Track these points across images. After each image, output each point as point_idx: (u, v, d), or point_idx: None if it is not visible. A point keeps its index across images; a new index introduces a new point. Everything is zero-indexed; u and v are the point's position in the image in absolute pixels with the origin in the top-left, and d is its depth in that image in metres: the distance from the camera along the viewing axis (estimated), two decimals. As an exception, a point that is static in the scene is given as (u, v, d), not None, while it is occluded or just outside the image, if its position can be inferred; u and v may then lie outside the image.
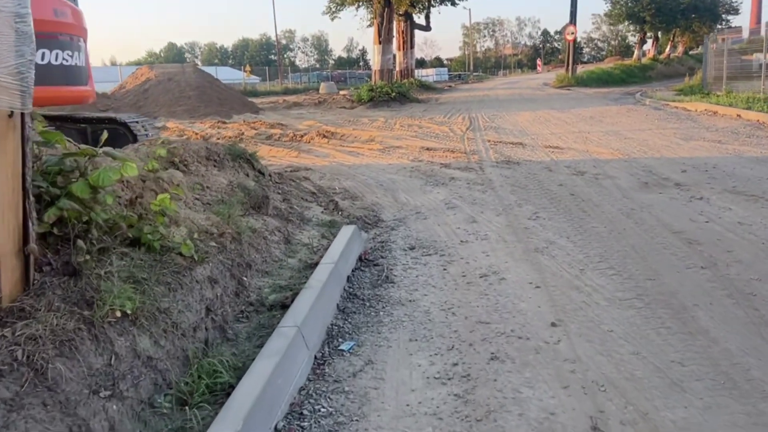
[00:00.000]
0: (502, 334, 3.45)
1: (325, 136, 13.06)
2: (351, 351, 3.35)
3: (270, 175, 6.80)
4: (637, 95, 23.34)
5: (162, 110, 19.84)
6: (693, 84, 24.22)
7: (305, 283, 3.94)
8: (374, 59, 27.17)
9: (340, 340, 3.48)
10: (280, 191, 6.44)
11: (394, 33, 32.18)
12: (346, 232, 5.22)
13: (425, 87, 35.43)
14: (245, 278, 4.05)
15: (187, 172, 5.34)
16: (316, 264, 4.46)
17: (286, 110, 22.85)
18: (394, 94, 23.70)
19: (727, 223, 5.46)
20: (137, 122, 9.51)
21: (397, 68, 35.89)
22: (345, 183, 8.10)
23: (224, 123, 16.75)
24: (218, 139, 12.61)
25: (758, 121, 12.76)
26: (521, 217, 6.07)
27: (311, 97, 33.52)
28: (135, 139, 9.34)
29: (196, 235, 3.92)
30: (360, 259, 5.02)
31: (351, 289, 4.28)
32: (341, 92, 34.00)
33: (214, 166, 5.91)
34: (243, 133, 13.54)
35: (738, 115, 13.97)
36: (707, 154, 9.10)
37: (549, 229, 5.57)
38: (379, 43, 26.47)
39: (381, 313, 3.85)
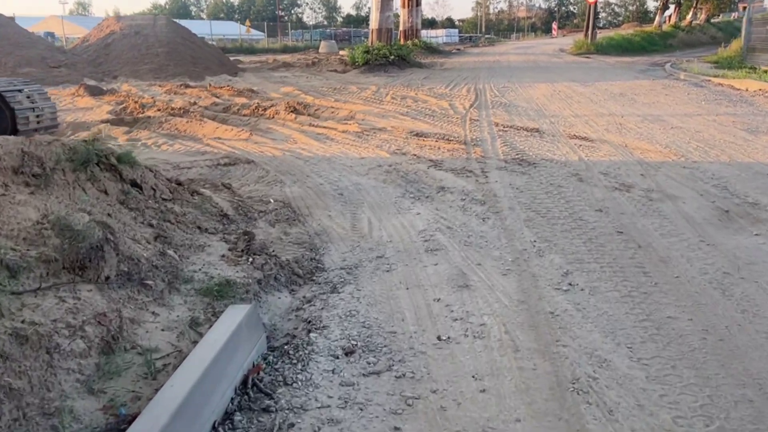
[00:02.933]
0: None
1: (295, 110, 10.58)
2: None
3: (156, 188, 4.41)
4: (667, 67, 20.59)
5: (125, 69, 17.32)
6: (729, 55, 21.43)
7: None
8: (372, 16, 24.32)
9: None
10: (158, 218, 4.05)
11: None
12: (229, 322, 2.86)
13: (431, 50, 32.55)
14: None
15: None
16: (132, 419, 2.17)
17: (270, 72, 20.24)
18: (392, 57, 21.02)
19: None
20: (20, 91, 7.06)
21: (401, 27, 32.97)
22: (289, 190, 5.70)
23: (187, 87, 14.25)
24: (164, 108, 10.16)
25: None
26: (543, 281, 3.69)
27: (307, 57, 30.85)
28: (13, 118, 6.93)
29: None
30: (244, 384, 2.69)
31: None
32: (341, 52, 31.22)
33: (28, 184, 3.52)
34: (195, 102, 11.04)
35: (804, 99, 11.39)
36: (795, 160, 6.65)
37: (592, 319, 3.19)
38: (379, -3, 23.54)
39: None
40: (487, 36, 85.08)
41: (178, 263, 3.61)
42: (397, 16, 34.65)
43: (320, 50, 40.12)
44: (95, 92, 12.86)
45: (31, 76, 15.30)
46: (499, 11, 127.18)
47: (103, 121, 9.13)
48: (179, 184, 4.82)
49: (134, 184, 4.23)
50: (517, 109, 11.03)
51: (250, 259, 3.85)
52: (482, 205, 5.21)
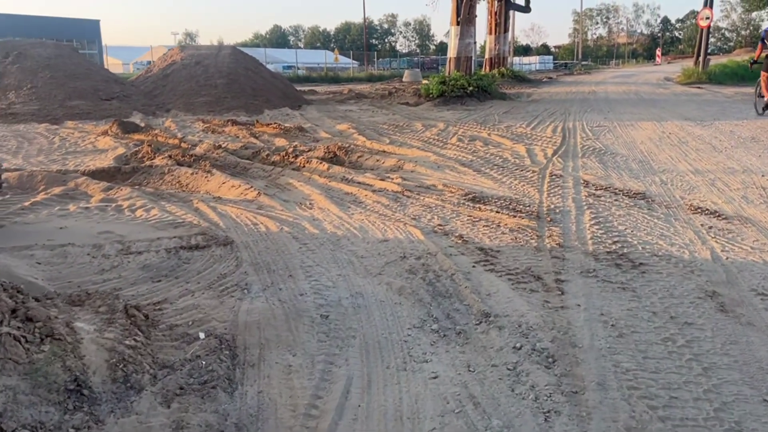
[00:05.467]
0: None
1: (333, 158, 8.67)
2: None
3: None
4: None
5: (179, 101, 16.22)
6: None
7: None
8: (450, 44, 22.25)
9: None
10: None
11: (486, 14, 27.10)
12: None
13: (519, 79, 30.15)
14: None
15: None
16: None
17: (336, 105, 18.62)
18: (471, 88, 18.85)
19: None
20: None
21: (487, 55, 30.84)
22: (248, 307, 3.68)
23: (234, 123, 12.75)
24: (176, 155, 8.56)
25: None
26: None
27: (387, 86, 29.33)
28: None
29: None
30: None
31: None
32: (424, 81, 29.42)
33: None
34: (220, 146, 9.34)
35: None
36: None
37: None
38: (457, 23, 21.51)
39: None
40: (583, 63, 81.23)
41: None
42: (482, 45, 32.52)
43: (404, 79, 38.69)
44: (129, 129, 11.57)
45: (79, 109, 14.43)
46: (597, 37, 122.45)
47: (96, 171, 7.57)
48: (30, 320, 2.90)
49: None
50: (615, 160, 8.57)
51: None
52: (549, 368, 2.95)
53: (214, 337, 3.29)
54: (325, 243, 4.94)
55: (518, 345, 3.17)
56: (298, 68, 50.91)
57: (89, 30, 55.98)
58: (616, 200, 6.21)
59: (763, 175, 7.26)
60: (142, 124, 12.34)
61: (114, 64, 52.80)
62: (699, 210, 5.78)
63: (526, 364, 2.98)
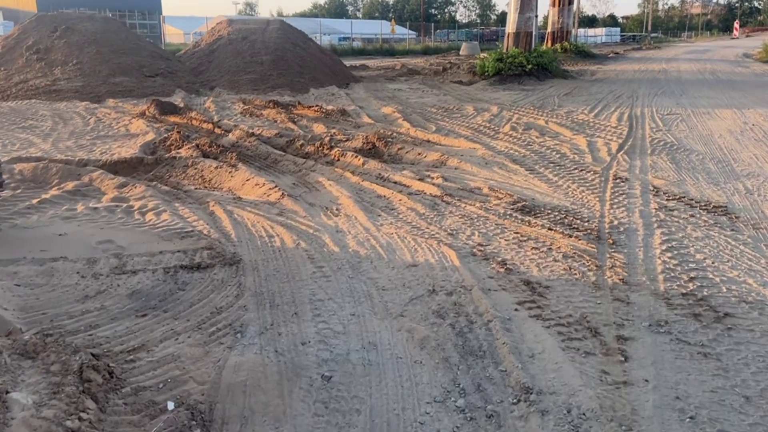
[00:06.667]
0: None
1: (371, 149, 7.97)
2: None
3: None
4: None
5: (223, 79, 15.78)
6: None
7: None
8: (510, 18, 20.94)
9: None
10: None
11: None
12: None
13: (582, 54, 28.47)
14: None
15: None
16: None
17: (385, 83, 17.82)
18: (530, 66, 17.68)
19: None
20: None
21: (549, 29, 29.22)
22: (236, 360, 3.05)
23: (276, 105, 12.17)
24: (204, 145, 8.05)
25: None
26: None
27: (442, 60, 28.28)
28: None
29: None
30: None
31: None
32: (482, 54, 28.14)
33: None
34: (253, 134, 8.74)
35: None
36: None
37: None
38: (517, -4, 20.14)
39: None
40: (653, 35, 77.10)
41: None
42: (545, 17, 30.88)
43: (461, 52, 37.33)
44: (166, 110, 11.16)
45: (122, 86, 14.17)
46: (669, 7, 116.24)
47: (118, 162, 7.11)
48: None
49: None
50: (690, 158, 7.54)
51: None
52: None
53: (186, 408, 2.68)
54: (344, 267, 4.26)
55: (565, 449, 2.43)
56: (353, 39, 49.97)
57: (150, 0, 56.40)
58: (692, 216, 5.28)
59: None
60: (182, 105, 11.90)
61: (174, 34, 53.02)
62: (796, 234, 4.81)
63: (573, 481, 2.25)
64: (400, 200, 5.81)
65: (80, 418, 2.46)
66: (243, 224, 5.16)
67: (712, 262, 4.25)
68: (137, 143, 8.42)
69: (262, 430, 2.60)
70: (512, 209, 5.45)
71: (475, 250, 4.53)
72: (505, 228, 4.99)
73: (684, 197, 5.83)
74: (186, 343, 3.22)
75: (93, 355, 2.96)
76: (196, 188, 6.38)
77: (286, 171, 7.12)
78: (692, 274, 4.04)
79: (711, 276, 4.02)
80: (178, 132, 8.41)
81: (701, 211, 5.41)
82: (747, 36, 64.14)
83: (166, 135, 8.54)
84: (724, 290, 3.81)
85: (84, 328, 3.34)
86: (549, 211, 5.39)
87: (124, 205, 5.66)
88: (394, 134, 9.03)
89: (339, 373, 2.99)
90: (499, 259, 4.35)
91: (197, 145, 7.71)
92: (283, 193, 5.99)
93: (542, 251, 4.48)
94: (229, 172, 6.70)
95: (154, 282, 3.98)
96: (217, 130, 9.25)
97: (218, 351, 3.16)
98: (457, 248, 4.54)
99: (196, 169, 6.93)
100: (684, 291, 3.79)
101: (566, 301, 3.69)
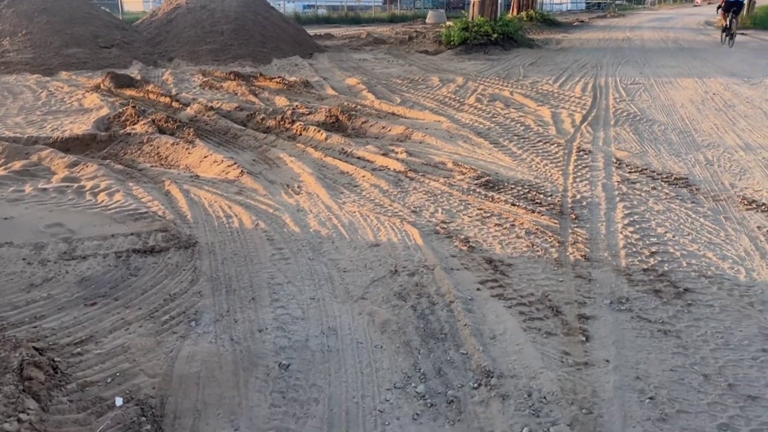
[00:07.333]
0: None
1: (334, 123, 7.80)
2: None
3: None
4: None
5: (182, 49, 15.26)
6: None
7: None
8: (475, -14, 20.69)
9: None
10: None
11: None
12: None
13: (548, 22, 28.38)
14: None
15: None
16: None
17: (350, 53, 17.48)
18: (495, 35, 17.52)
19: None
20: None
21: (515, -3, 29.00)
22: (189, 350, 2.94)
23: (237, 76, 11.81)
24: (159, 120, 7.77)
25: None
26: None
27: (408, 29, 27.85)
28: None
29: None
30: None
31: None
32: (449, 23, 27.80)
33: None
34: (212, 108, 8.46)
35: None
36: None
37: None
38: (483, -37, 19.83)
39: None
40: (617, 3, 77.25)
41: None
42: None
43: (427, 20, 36.79)
44: (122, 83, 10.74)
45: (75, 58, 13.59)
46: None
47: (69, 139, 6.81)
48: None
49: None
50: (652, 129, 7.56)
51: None
52: (564, 478, 2.19)
53: (135, 404, 2.57)
54: (304, 248, 4.15)
55: (525, 431, 2.40)
56: (318, 7, 48.89)
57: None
58: (653, 188, 5.29)
59: (827, 155, 6.25)
60: (138, 77, 11.47)
61: (134, 2, 51.12)
62: (754, 205, 4.85)
63: (533, 469, 2.22)
64: (364, 176, 5.70)
65: (19, 420, 2.33)
66: (200, 204, 4.99)
67: (673, 236, 4.26)
68: (91, 119, 8.08)
69: (216, 423, 2.51)
70: (476, 184, 5.39)
71: (438, 227, 4.46)
72: (469, 204, 4.93)
73: (646, 169, 5.84)
74: (137, 333, 3.10)
75: (36, 349, 2.82)
76: (151, 166, 6.16)
77: (246, 147, 6.92)
78: (653, 249, 4.05)
79: (672, 250, 4.03)
80: (134, 107, 8.09)
81: (663, 183, 5.43)
82: (709, 4, 64.68)
83: (121, 110, 8.20)
84: (684, 265, 3.82)
85: (29, 319, 3.18)
86: (512, 186, 5.35)
87: (75, 185, 5.42)
88: (358, 107, 8.86)
89: (297, 361, 2.91)
90: (462, 236, 4.29)
91: (153, 121, 7.43)
92: (242, 171, 5.81)
93: (505, 228, 4.43)
94: (187, 149, 6.47)
95: (105, 268, 3.82)
96: (175, 104, 8.94)
97: (171, 341, 3.04)
98: (420, 226, 4.47)
99: (151, 146, 6.68)
100: (645, 266, 3.79)
101: (528, 279, 3.65)
